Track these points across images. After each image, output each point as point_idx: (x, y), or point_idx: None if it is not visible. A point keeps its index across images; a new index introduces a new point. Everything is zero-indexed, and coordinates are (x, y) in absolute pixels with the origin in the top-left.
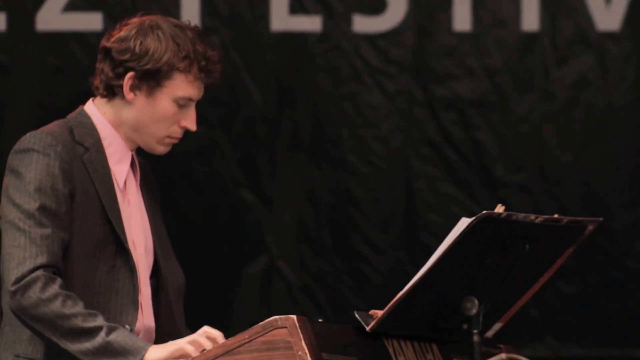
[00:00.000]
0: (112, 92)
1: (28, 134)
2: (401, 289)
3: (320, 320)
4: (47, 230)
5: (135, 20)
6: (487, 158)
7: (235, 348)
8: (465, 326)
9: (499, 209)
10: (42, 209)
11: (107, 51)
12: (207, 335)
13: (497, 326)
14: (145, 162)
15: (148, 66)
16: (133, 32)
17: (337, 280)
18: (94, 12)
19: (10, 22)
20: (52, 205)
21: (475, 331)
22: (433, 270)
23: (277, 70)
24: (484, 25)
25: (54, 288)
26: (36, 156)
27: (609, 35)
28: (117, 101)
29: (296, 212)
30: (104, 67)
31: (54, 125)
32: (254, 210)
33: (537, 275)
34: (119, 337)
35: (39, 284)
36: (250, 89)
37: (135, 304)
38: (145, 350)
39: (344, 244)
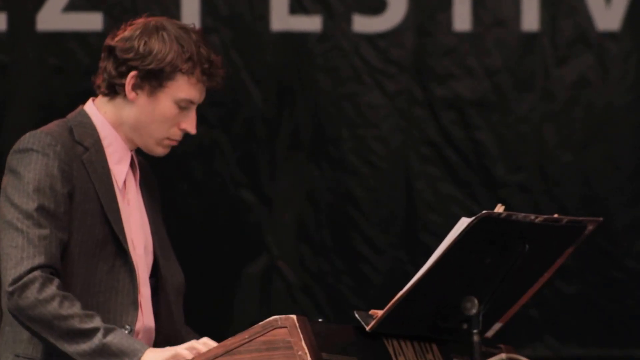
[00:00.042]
0: (114, 90)
1: (27, 134)
2: (401, 289)
3: (320, 320)
4: (46, 231)
5: (140, 21)
6: (487, 158)
7: (235, 348)
8: (465, 326)
9: (499, 208)
10: (41, 209)
11: (111, 50)
12: (206, 346)
13: (497, 326)
14: (145, 162)
15: (151, 66)
16: (138, 32)
17: (337, 280)
18: (94, 12)
19: (10, 22)
20: (50, 205)
21: (475, 331)
22: (433, 270)
23: (277, 70)
24: (484, 25)
25: (52, 289)
26: (35, 156)
27: (609, 35)
28: (119, 100)
29: (296, 212)
30: (107, 65)
31: (54, 125)
32: (254, 210)
33: (537, 275)
34: (116, 338)
35: (37, 285)
36: (250, 89)
37: (135, 304)
38: (142, 353)
39: (344, 244)
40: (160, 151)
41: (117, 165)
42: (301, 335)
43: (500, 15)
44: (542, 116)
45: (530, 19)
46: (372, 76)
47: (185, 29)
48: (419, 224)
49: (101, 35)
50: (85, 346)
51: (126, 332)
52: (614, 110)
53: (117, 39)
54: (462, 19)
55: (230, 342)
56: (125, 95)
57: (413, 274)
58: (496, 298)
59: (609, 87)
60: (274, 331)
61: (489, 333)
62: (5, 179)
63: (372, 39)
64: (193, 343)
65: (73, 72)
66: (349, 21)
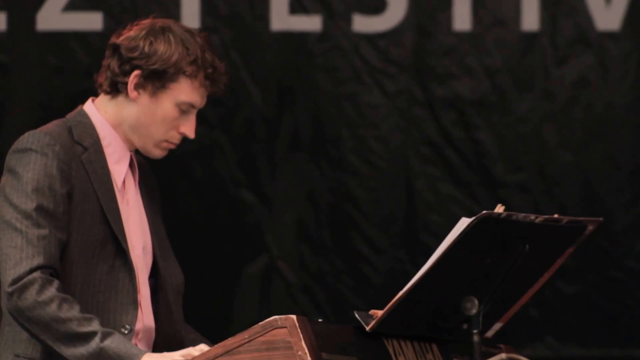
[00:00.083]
0: (116, 89)
1: (26, 134)
2: (401, 289)
3: (320, 320)
4: (45, 231)
5: (146, 22)
6: (487, 158)
7: (235, 348)
8: (465, 326)
9: (499, 209)
10: (40, 209)
11: (116, 48)
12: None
13: (497, 326)
14: (145, 161)
15: (155, 66)
16: (144, 32)
17: (337, 280)
18: (94, 12)
19: (10, 22)
20: (49, 205)
21: (475, 331)
22: (433, 270)
23: (277, 70)
24: (484, 25)
25: (51, 291)
26: (34, 156)
27: (609, 35)
28: (120, 99)
29: (296, 212)
30: (111, 62)
31: (53, 125)
32: (254, 210)
33: (537, 275)
34: (114, 343)
35: (36, 286)
36: (250, 89)
37: (135, 303)
38: (139, 358)
39: (343, 243)
40: (157, 153)
41: (116, 165)
42: (301, 335)
43: (500, 15)
44: (542, 116)
45: (530, 19)
46: (372, 76)
47: (191, 32)
48: (419, 224)
49: (101, 35)
50: (82, 350)
51: (126, 332)
52: (614, 110)
53: (122, 37)
54: (462, 18)
55: (230, 342)
56: (127, 94)
57: (413, 274)
58: (496, 298)
59: (609, 87)
60: (273, 331)
61: (489, 333)
62: (4, 178)
63: (372, 38)
64: (190, 350)
65: (73, 72)
66: (349, 21)
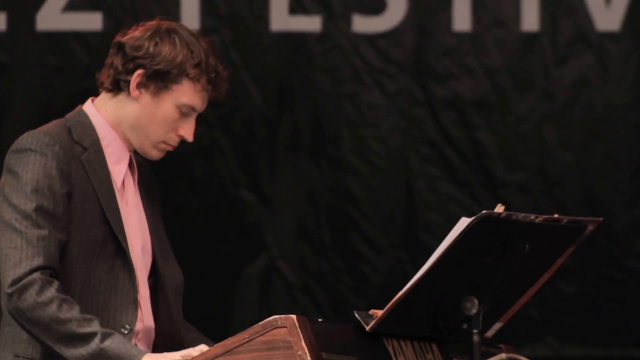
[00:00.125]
0: (118, 87)
1: (25, 134)
2: (401, 289)
3: (320, 320)
4: (44, 231)
5: (152, 23)
6: (487, 158)
7: (235, 348)
8: (465, 326)
9: (499, 208)
10: (39, 209)
11: (121, 46)
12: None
13: (497, 326)
14: (145, 161)
15: (159, 66)
16: (149, 33)
17: (337, 280)
18: (94, 12)
19: (10, 22)
20: (49, 205)
21: (475, 331)
22: (433, 270)
23: (277, 70)
24: (483, 25)
25: (51, 291)
26: (33, 156)
27: (609, 35)
28: (121, 97)
29: (296, 212)
30: (114, 60)
31: (52, 125)
32: (254, 210)
33: (537, 275)
34: (113, 344)
35: (36, 287)
36: (250, 89)
37: (134, 303)
38: (139, 359)
39: (343, 243)
40: (154, 154)
41: (115, 165)
42: (301, 335)
43: (500, 15)
44: (542, 116)
45: (530, 19)
46: (372, 76)
47: (196, 36)
48: (419, 224)
49: (101, 35)
50: (82, 350)
51: (125, 332)
52: (614, 110)
53: (127, 37)
54: (462, 19)
55: (230, 341)
56: (128, 93)
57: (413, 274)
58: (496, 298)
59: (609, 87)
60: (273, 331)
61: (489, 333)
62: (3, 179)
63: (372, 39)
64: (190, 350)
65: (73, 72)
66: (348, 21)
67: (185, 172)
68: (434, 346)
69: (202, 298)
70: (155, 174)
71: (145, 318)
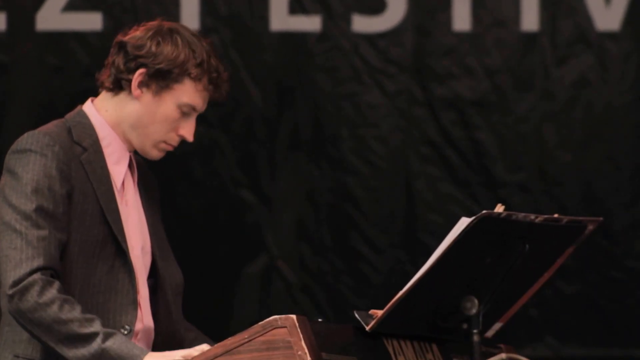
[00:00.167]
0: (119, 86)
1: (25, 134)
2: (401, 289)
3: (320, 320)
4: (44, 232)
5: (154, 23)
6: (487, 158)
7: (235, 348)
8: (465, 326)
9: (499, 208)
10: (39, 210)
11: (123, 45)
12: None
13: (497, 326)
14: (144, 162)
15: (161, 66)
16: (151, 32)
17: (337, 280)
18: (94, 12)
19: (10, 22)
20: (49, 206)
21: (475, 331)
22: (433, 270)
23: (277, 70)
24: (483, 25)
25: (52, 292)
26: (33, 157)
27: (609, 35)
28: (122, 96)
29: (296, 212)
30: (116, 59)
31: (52, 125)
32: (253, 210)
33: (537, 275)
34: (115, 344)
35: (37, 288)
36: (250, 89)
37: (134, 304)
38: (141, 359)
39: (343, 243)
40: (154, 154)
41: (115, 165)
42: (301, 335)
43: (500, 15)
44: (542, 116)
45: (530, 19)
46: (372, 76)
47: (197, 36)
48: (419, 224)
49: (101, 35)
50: (84, 351)
51: (125, 332)
52: (614, 110)
53: (129, 36)
54: (461, 18)
55: (230, 341)
56: (130, 92)
57: (413, 274)
58: (496, 298)
59: (609, 87)
60: (273, 331)
61: (489, 333)
62: (3, 179)
63: (371, 38)
64: (190, 350)
65: (73, 72)
66: (348, 21)
67: (185, 172)
68: (434, 346)
69: (202, 298)
70: (155, 174)
71: (144, 318)
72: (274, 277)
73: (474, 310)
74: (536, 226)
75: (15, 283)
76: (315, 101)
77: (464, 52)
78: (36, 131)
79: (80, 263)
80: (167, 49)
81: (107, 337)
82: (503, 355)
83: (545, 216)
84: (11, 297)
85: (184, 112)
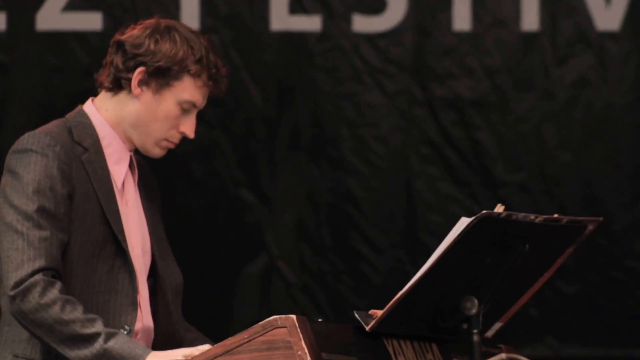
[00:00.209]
0: (118, 85)
1: (26, 134)
2: (401, 289)
3: (320, 320)
4: (46, 233)
5: (151, 22)
6: (487, 158)
7: (235, 348)
8: (465, 326)
9: (499, 208)
10: (41, 210)
11: (121, 44)
12: None
13: (497, 326)
14: (144, 161)
15: (160, 63)
16: (149, 30)
17: (337, 280)
18: (94, 11)
19: (10, 21)
20: (50, 206)
21: (475, 331)
22: (433, 270)
23: (277, 70)
24: (483, 25)
25: (54, 293)
26: (34, 157)
27: (609, 35)
28: (122, 95)
29: (296, 212)
30: (114, 59)
31: (53, 125)
32: (253, 210)
33: (537, 275)
34: (117, 344)
35: (38, 289)
36: (250, 89)
37: (134, 304)
38: (143, 358)
39: (343, 243)
40: (156, 152)
41: (116, 165)
42: (301, 335)
43: (500, 15)
44: (542, 116)
45: (530, 19)
46: (372, 76)
47: (195, 33)
48: (419, 224)
49: (101, 35)
50: (86, 351)
51: (125, 332)
52: (614, 110)
53: (126, 35)
54: (462, 18)
55: (230, 342)
56: (129, 91)
57: (413, 274)
58: (496, 298)
59: (609, 87)
60: (273, 331)
61: (489, 333)
62: (4, 179)
63: (372, 38)
64: (192, 350)
65: (73, 71)
66: (348, 21)
67: (185, 172)
68: (434, 346)
69: (202, 298)
70: (155, 174)
71: (144, 318)
72: (274, 277)
73: (474, 310)
74: (536, 226)
75: (17, 284)
76: (315, 101)
77: (464, 52)
78: (37, 131)
79: (81, 263)
80: (166, 47)
81: (109, 337)
82: (503, 355)
83: (545, 216)
84: (13, 298)
85: (184, 108)
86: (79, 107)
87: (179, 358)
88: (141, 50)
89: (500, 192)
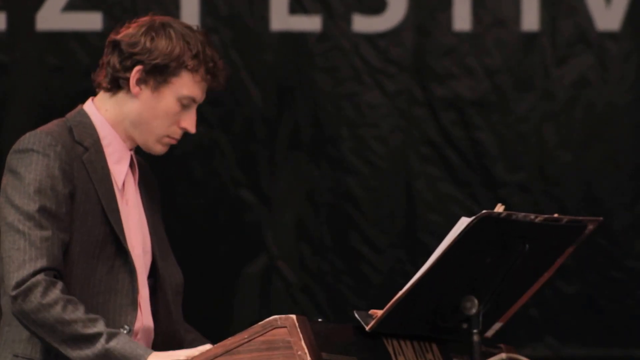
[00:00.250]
0: (117, 85)
1: (27, 134)
2: (401, 289)
3: (320, 320)
4: (47, 232)
5: (145, 19)
6: (487, 158)
7: (235, 348)
8: (465, 326)
9: (499, 208)
10: (42, 210)
11: (117, 44)
12: None
13: (497, 326)
14: (145, 161)
15: (157, 61)
16: (144, 28)
17: (337, 280)
18: (94, 11)
19: (10, 21)
20: (52, 206)
21: (475, 331)
22: (433, 270)
23: (277, 70)
24: (484, 25)
25: (55, 293)
26: (36, 157)
27: (609, 35)
28: (121, 95)
29: (296, 212)
30: (111, 59)
31: (53, 125)
32: (253, 210)
33: (537, 275)
34: (119, 344)
35: (40, 289)
36: (250, 89)
37: (134, 304)
38: (145, 358)
39: (343, 243)
40: (159, 149)
41: (116, 165)
42: (301, 335)
43: (500, 15)
44: (542, 116)
45: (530, 19)
46: (372, 76)
47: (190, 28)
48: (419, 224)
49: (101, 35)
50: (88, 351)
51: (125, 332)
52: (614, 110)
53: (122, 34)
54: (462, 18)
55: (230, 341)
56: (128, 90)
57: (413, 274)
58: (496, 298)
59: (609, 87)
60: (273, 331)
61: (489, 333)
62: (5, 179)
63: (372, 38)
64: (193, 350)
65: (73, 71)
66: (348, 21)
67: (185, 172)
68: (434, 346)
69: (202, 298)
70: (156, 174)
71: (144, 318)
72: (274, 277)
73: (474, 310)
74: (536, 226)
75: (19, 284)
76: (315, 101)
77: (464, 52)
78: (38, 131)
79: (81, 263)
80: (162, 44)
81: (110, 337)
82: (503, 355)
83: (545, 216)
84: (15, 298)
85: (184, 104)
86: (79, 106)
87: (180, 358)
88: (137, 49)
89: (500, 192)
